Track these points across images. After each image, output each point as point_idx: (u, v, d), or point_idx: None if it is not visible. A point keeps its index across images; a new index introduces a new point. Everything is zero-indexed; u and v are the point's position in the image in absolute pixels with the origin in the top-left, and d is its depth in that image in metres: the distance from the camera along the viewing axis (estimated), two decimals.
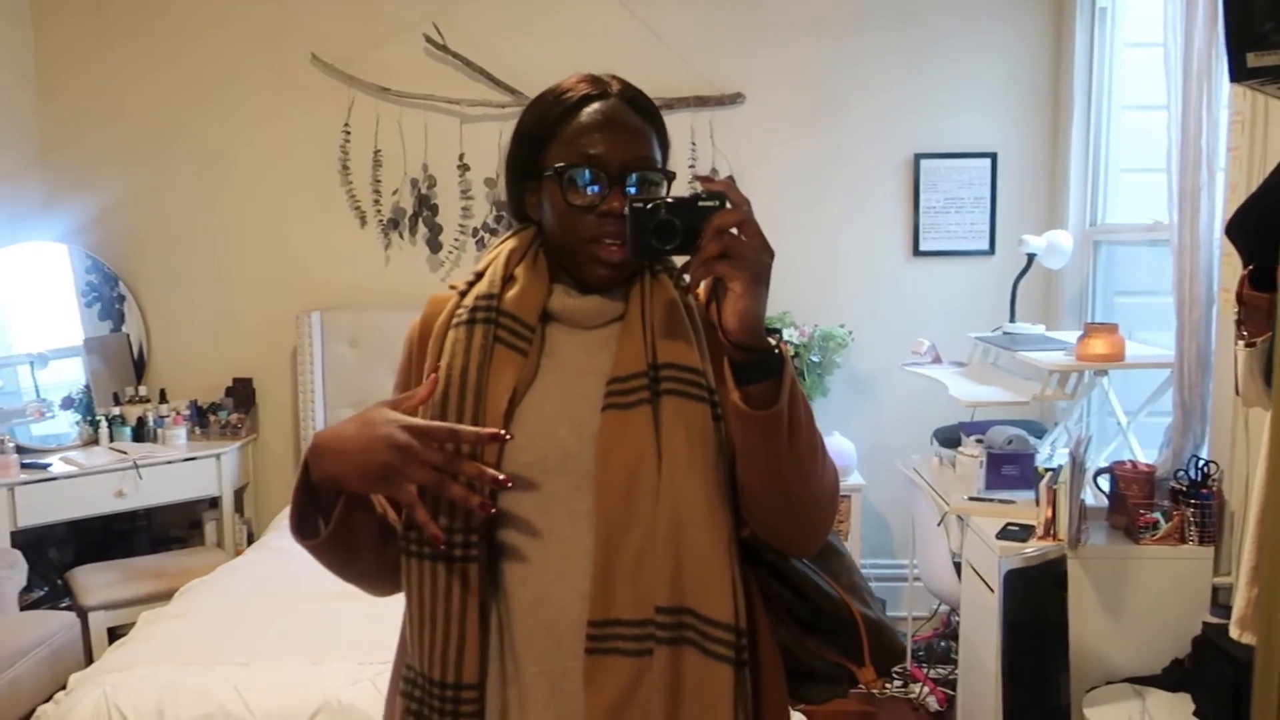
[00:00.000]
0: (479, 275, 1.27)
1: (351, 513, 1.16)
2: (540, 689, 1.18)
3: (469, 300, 1.25)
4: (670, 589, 1.14)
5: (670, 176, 1.24)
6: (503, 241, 1.30)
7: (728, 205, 1.09)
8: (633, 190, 1.19)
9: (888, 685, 3.59)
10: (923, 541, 3.36)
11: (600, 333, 1.24)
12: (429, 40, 4.07)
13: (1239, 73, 1.48)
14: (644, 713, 1.14)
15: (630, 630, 1.15)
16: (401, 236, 4.19)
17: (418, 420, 1.13)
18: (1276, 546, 1.25)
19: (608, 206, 1.18)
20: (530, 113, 1.26)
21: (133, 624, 2.79)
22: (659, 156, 1.24)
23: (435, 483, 1.11)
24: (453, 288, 1.28)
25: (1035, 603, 2.49)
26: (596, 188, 1.19)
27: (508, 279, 1.25)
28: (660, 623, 1.14)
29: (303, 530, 1.18)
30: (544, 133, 1.23)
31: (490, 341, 1.21)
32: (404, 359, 1.31)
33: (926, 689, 3.51)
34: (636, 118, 1.23)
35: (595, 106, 1.21)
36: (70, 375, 4.09)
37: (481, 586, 1.18)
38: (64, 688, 2.41)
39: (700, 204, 1.09)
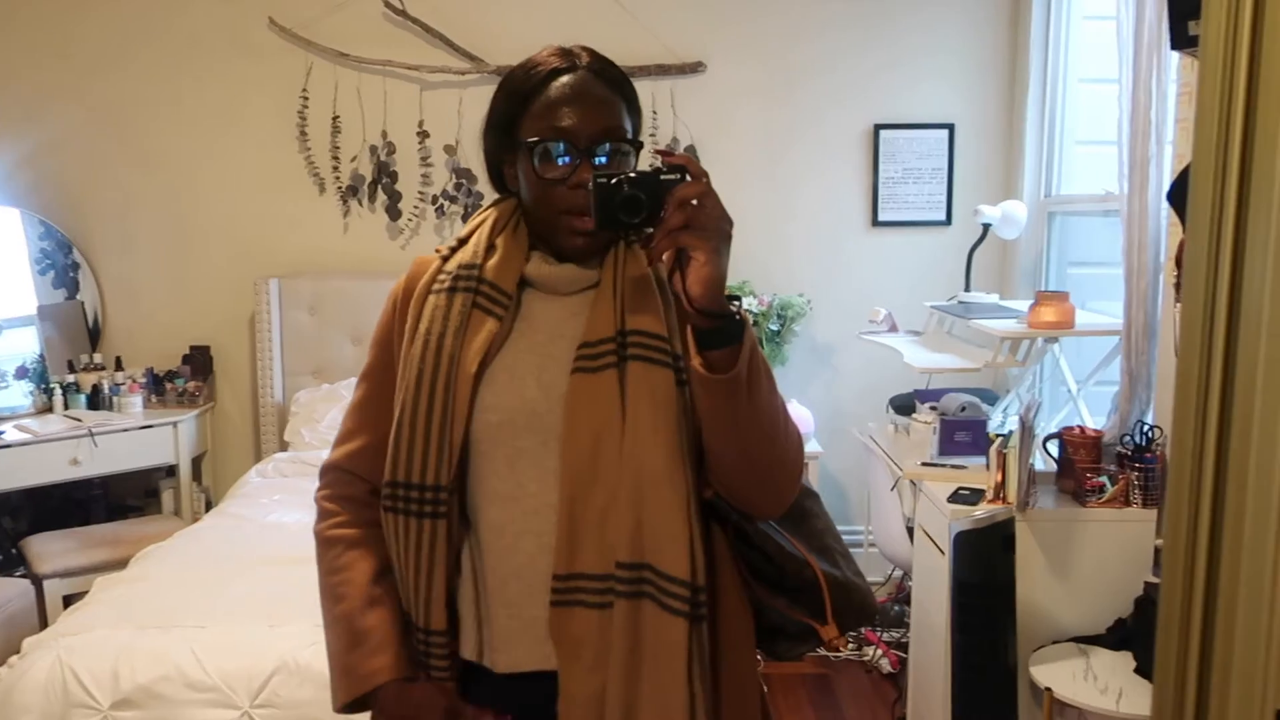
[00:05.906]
0: (462, 241, 1.33)
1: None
2: (512, 631, 1.25)
3: (450, 267, 1.30)
4: (631, 546, 1.19)
5: (639, 146, 1.27)
6: (486, 210, 1.35)
7: (688, 178, 1.12)
8: (603, 160, 1.22)
9: (849, 644, 3.66)
10: (877, 507, 3.41)
11: (575, 299, 1.28)
12: (388, 5, 4.03)
13: (1179, 40, 1.52)
14: (606, 661, 1.19)
15: (593, 584, 1.20)
16: (361, 204, 4.16)
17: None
18: (1179, 489, 1.30)
19: (578, 179, 1.21)
20: (503, 88, 1.29)
21: (88, 592, 2.77)
22: (629, 126, 1.27)
23: None
24: (437, 251, 1.34)
25: (984, 564, 2.54)
26: (567, 159, 1.22)
27: (489, 248, 1.30)
28: (621, 577, 1.19)
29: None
30: (516, 107, 1.26)
31: (468, 309, 1.26)
32: (386, 314, 1.36)
33: (880, 651, 3.58)
34: (605, 89, 1.25)
35: (564, 80, 1.24)
36: (24, 344, 4.03)
37: (451, 542, 1.25)
38: (18, 653, 2.40)
39: (663, 177, 1.12)
